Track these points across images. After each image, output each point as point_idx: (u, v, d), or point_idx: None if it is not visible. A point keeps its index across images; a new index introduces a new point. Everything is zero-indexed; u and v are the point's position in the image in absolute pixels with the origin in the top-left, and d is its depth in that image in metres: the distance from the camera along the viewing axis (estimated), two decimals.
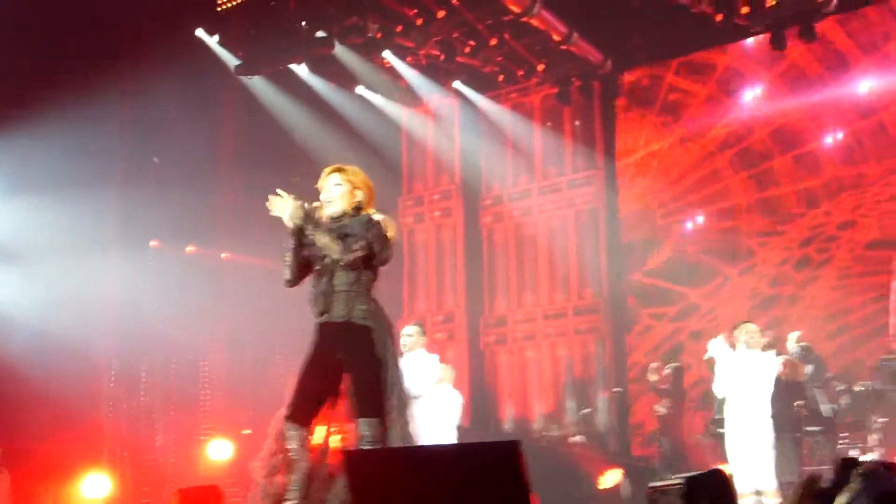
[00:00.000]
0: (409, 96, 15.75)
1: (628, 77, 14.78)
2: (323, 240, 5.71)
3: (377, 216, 5.90)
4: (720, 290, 13.67)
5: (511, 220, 15.56)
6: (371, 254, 5.78)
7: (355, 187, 5.96)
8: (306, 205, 5.90)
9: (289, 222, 5.88)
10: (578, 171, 15.12)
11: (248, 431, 14.47)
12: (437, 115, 16.00)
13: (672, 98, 14.45)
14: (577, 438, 13.34)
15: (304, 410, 5.79)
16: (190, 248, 15.57)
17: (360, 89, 15.56)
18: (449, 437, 9.37)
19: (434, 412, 9.22)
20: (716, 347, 9.38)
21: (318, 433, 5.88)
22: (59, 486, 13.40)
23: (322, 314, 5.82)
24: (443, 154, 16.05)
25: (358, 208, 5.93)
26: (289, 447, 5.80)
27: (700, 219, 14.11)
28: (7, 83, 13.97)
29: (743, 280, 13.56)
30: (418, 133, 16.23)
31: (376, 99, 15.70)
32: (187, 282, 15.05)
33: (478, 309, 15.50)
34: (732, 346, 9.28)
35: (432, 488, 3.85)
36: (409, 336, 9.49)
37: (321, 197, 5.99)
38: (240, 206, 15.60)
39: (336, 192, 5.93)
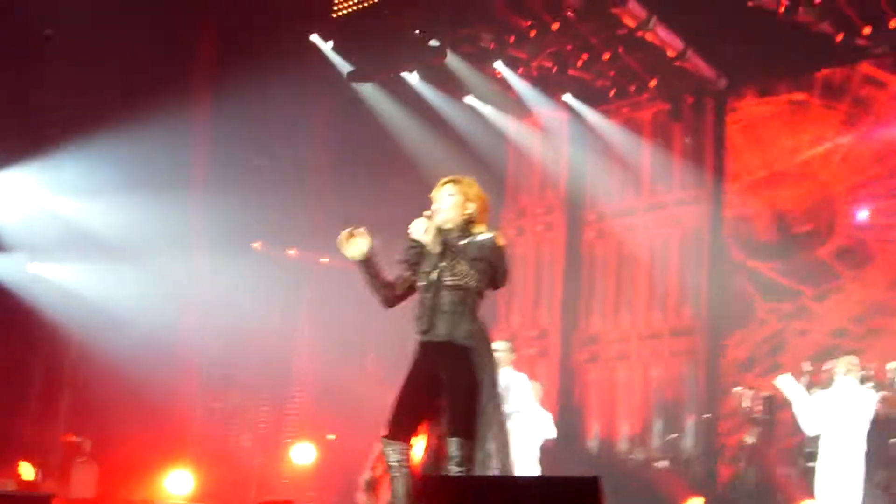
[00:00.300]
0: (519, 108, 15.68)
1: (744, 96, 14.52)
2: (461, 267, 5.67)
3: (494, 235, 5.79)
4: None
5: (613, 237, 15.38)
6: (491, 280, 5.75)
7: (468, 199, 5.87)
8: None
9: (355, 256, 5.98)
10: (686, 189, 14.88)
11: (333, 437, 14.58)
12: (546, 128, 15.90)
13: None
14: (662, 463, 13.15)
15: (402, 427, 5.75)
16: (292, 252, 15.77)
17: (469, 99, 15.56)
18: (534, 455, 9.32)
19: (520, 431, 9.19)
20: (784, 384, 9.18)
21: (418, 450, 5.84)
22: (145, 481, 13.68)
23: (425, 332, 5.79)
24: (549, 167, 15.95)
25: (469, 221, 5.85)
26: (388, 463, 5.77)
27: None
28: (118, 82, 14.35)
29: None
30: (525, 145, 16.15)
31: (485, 109, 15.68)
32: (287, 284, 15.28)
33: (572, 326, 15.38)
34: (820, 380, 9.06)
35: None
36: (497, 352, 9.44)
37: (433, 206, 5.92)
38: (342, 210, 15.72)
39: (448, 203, 5.86)
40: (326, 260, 15.68)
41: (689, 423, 13.83)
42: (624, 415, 14.55)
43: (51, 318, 14.80)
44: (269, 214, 15.04)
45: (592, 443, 14.70)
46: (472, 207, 5.88)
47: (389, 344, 14.59)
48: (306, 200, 15.15)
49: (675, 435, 13.63)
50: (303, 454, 14.54)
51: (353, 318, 15.07)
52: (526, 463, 9.10)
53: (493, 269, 5.70)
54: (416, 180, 14.94)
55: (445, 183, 5.98)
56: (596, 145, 15.45)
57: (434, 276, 5.76)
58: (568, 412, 14.87)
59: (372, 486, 5.59)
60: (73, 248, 14.67)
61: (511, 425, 8.83)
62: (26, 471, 13.46)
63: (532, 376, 13.48)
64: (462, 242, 5.77)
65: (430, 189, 6.08)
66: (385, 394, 13.55)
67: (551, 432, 9.64)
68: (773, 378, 12.32)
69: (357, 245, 5.95)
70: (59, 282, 14.72)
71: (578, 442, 14.71)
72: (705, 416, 13.59)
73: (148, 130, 13.55)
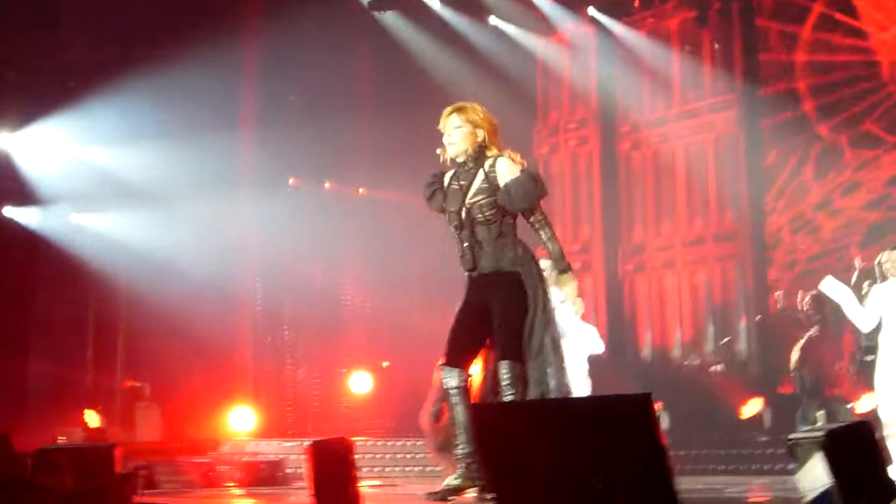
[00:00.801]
0: (544, 25, 15.56)
1: None
2: (485, 200, 5.75)
3: (503, 159, 5.84)
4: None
5: (649, 147, 15.32)
6: (516, 204, 5.78)
7: (476, 126, 5.89)
8: None
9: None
10: (718, 95, 14.76)
11: (387, 364, 14.75)
12: (573, 44, 15.77)
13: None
14: (718, 367, 13.22)
15: (458, 354, 5.87)
16: (328, 185, 15.83)
17: (493, 20, 15.44)
18: (583, 372, 9.38)
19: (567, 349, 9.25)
20: (829, 287, 9.15)
21: (477, 376, 5.96)
22: (207, 420, 13.94)
23: (472, 269, 5.88)
24: (578, 83, 15.85)
25: (482, 147, 5.88)
26: (447, 390, 5.89)
27: None
28: (141, 28, 14.35)
29: None
30: (553, 62, 16.04)
31: (510, 29, 15.55)
32: (326, 218, 15.35)
33: (615, 238, 15.37)
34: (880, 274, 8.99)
35: (558, 442, 3.87)
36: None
37: (444, 140, 5.96)
38: (376, 141, 15.77)
39: (457, 135, 5.88)
40: (362, 191, 15.75)
41: (742, 325, 13.86)
42: (675, 322, 14.62)
43: (98, 267, 15.01)
44: (304, 150, 15.07)
45: (646, 352, 14.79)
46: (481, 133, 5.90)
47: (432, 271, 14.73)
48: (341, 134, 15.14)
49: (729, 338, 13.69)
50: (359, 383, 14.73)
51: (396, 248, 15.18)
52: (576, 380, 9.18)
53: (513, 195, 5.74)
54: (445, 105, 14.94)
55: (450, 113, 5.98)
56: (624, 57, 15.33)
57: (463, 214, 5.82)
58: (618, 324, 14.96)
59: (438, 417, 5.73)
60: (112, 197, 14.80)
61: (576, 346, 8.99)
62: (91, 418, 13.76)
63: (578, 291, 13.60)
64: (476, 174, 5.85)
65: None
66: (432, 320, 13.74)
67: (598, 347, 9.68)
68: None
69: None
70: (102, 231, 14.88)
71: (631, 353, 14.80)
72: (757, 317, 13.60)
73: (173, 74, 13.59)
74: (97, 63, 14.77)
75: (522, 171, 5.85)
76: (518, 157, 5.93)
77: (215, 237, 14.19)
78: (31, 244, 15.06)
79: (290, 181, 15.57)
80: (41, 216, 14.96)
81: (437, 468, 11.12)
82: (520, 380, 5.68)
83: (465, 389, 5.85)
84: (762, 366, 13.44)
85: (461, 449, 5.78)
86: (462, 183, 5.88)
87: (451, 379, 5.84)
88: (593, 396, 4.25)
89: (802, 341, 11.34)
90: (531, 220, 5.92)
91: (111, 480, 5.78)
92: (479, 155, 5.90)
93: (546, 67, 16.14)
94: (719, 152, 14.60)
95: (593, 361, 9.91)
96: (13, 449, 6.49)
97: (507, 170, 5.80)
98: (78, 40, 14.94)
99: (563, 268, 6.00)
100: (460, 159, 5.91)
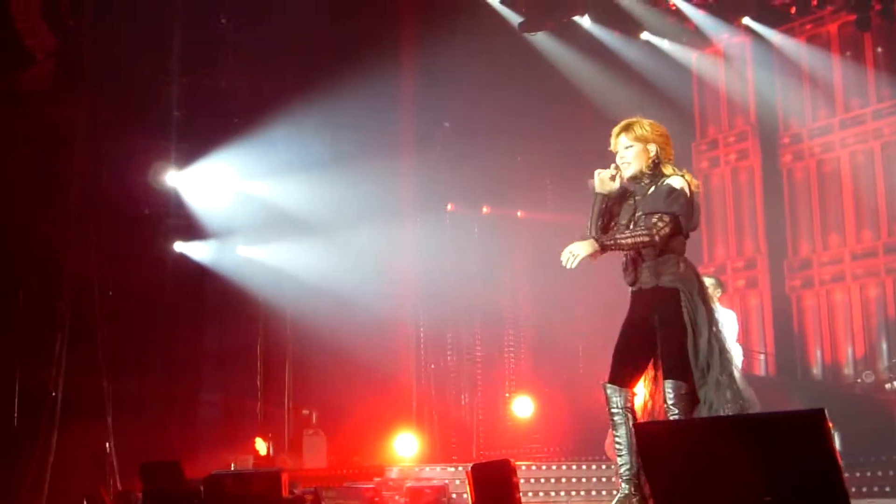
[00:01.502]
0: (698, 38, 15.34)
1: None
2: (653, 219, 5.69)
3: (677, 179, 5.78)
4: None
5: (812, 158, 14.88)
6: (678, 227, 5.72)
7: (647, 142, 5.86)
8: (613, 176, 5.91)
9: (598, 189, 5.95)
10: (884, 101, 14.25)
11: (550, 388, 14.66)
12: (728, 55, 15.48)
13: None
14: (893, 385, 12.69)
15: (622, 373, 5.86)
16: (486, 209, 15.88)
17: (645, 35, 15.28)
18: None
19: None
20: None
21: (641, 395, 5.89)
22: (372, 447, 14.08)
23: (633, 284, 5.89)
24: (736, 95, 15.53)
25: (656, 164, 5.85)
26: (611, 409, 5.86)
27: None
28: (300, 59, 14.70)
29: None
30: (709, 75, 15.77)
31: (663, 44, 15.36)
32: (485, 242, 15.40)
33: (780, 253, 14.96)
34: None
35: (727, 461, 3.76)
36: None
37: (616, 160, 5.95)
38: (532, 163, 15.76)
39: (629, 154, 5.88)
40: (521, 214, 15.74)
41: None
42: (846, 338, 14.11)
43: (264, 298, 15.39)
44: (461, 175, 15.17)
45: (816, 370, 14.32)
46: (653, 149, 5.86)
47: (598, 295, 14.60)
48: (495, 158, 15.19)
49: None
50: (522, 407, 14.69)
51: (556, 270, 15.08)
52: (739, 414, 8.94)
53: (678, 218, 5.68)
54: (601, 126, 14.82)
55: (619, 133, 5.97)
56: (782, 66, 14.97)
57: (632, 227, 5.81)
58: (786, 342, 14.55)
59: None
60: (276, 229, 15.16)
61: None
62: (261, 446, 14.08)
63: (743, 308, 13.30)
64: (650, 192, 5.80)
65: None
66: (595, 343, 13.62)
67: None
68: None
69: (609, 182, 5.91)
70: (268, 262, 15.25)
71: (802, 370, 14.36)
72: None
73: (330, 105, 13.87)
74: (259, 98, 15.19)
75: (683, 188, 5.76)
76: (695, 182, 5.92)
77: (377, 264, 14.39)
78: (200, 278, 15.54)
79: (449, 207, 15.68)
80: (209, 250, 15.43)
81: (603, 492, 11.01)
82: (685, 398, 5.60)
83: (628, 409, 5.81)
84: None
85: (625, 469, 5.72)
86: (637, 197, 5.88)
87: (615, 397, 5.82)
88: (764, 413, 4.08)
89: None
90: None
91: None
92: (655, 171, 5.88)
93: (702, 81, 15.88)
94: (887, 159, 14.07)
95: (761, 381, 9.67)
96: (184, 475, 6.67)
97: (672, 192, 5.75)
98: (239, 76, 15.41)
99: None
100: (636, 177, 5.90)
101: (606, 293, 14.61)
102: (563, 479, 11.98)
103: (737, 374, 5.71)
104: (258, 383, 15.43)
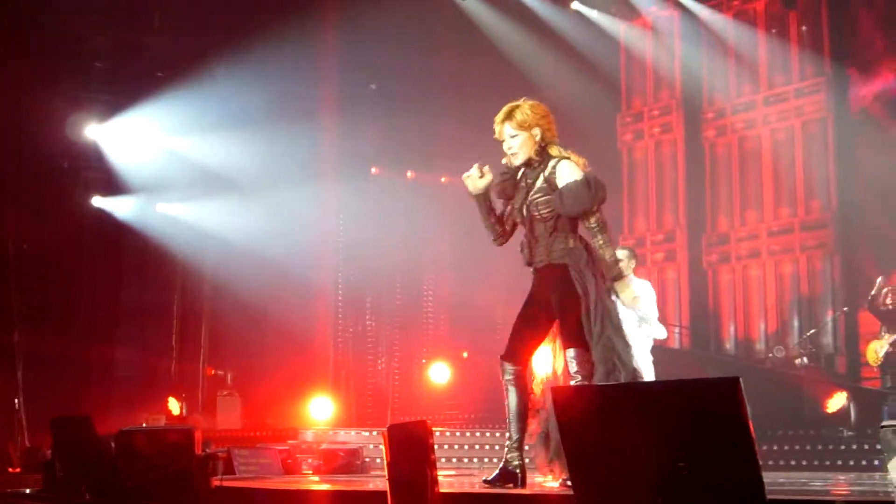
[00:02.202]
0: (627, 9, 15.39)
1: None
2: (543, 199, 5.78)
3: (566, 165, 5.82)
4: None
5: (734, 134, 15.04)
6: (569, 206, 5.76)
7: (530, 127, 5.88)
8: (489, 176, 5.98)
9: (472, 192, 6.03)
10: (806, 79, 14.43)
11: (466, 355, 14.70)
12: (656, 28, 15.56)
13: None
14: (803, 360, 12.93)
15: (514, 351, 6.00)
16: (410, 174, 15.83)
17: (575, 5, 15.29)
18: (647, 360, 9.22)
19: (643, 337, 9.10)
20: None
21: (535, 370, 6.01)
22: (287, 409, 14.03)
23: (529, 264, 5.98)
24: (662, 68, 15.62)
25: (542, 147, 5.90)
26: (503, 381, 6.03)
27: None
28: (222, 16, 14.48)
29: None
30: (637, 47, 15.84)
31: (592, 14, 15.39)
32: (409, 207, 15.36)
33: (699, 227, 15.13)
34: None
35: (642, 426, 3.78)
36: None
37: (504, 149, 5.99)
38: (458, 129, 15.69)
39: (516, 144, 5.90)
40: (445, 180, 15.71)
41: (828, 318, 13.55)
42: (759, 314, 14.33)
43: (183, 256, 15.21)
44: (386, 139, 15.09)
45: (729, 344, 14.54)
46: (538, 133, 5.90)
47: (517, 264, 14.65)
48: (423, 122, 15.13)
49: (814, 331, 13.36)
50: (439, 374, 14.70)
51: (478, 238, 15.10)
52: (647, 370, 9.04)
53: (565, 200, 5.75)
54: (529, 94, 14.83)
55: (502, 122, 5.97)
56: (709, 41, 15.09)
57: (525, 210, 5.89)
58: (701, 315, 14.74)
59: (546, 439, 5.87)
60: (197, 187, 14.97)
61: (635, 332, 8.86)
62: (174, 405, 13.96)
63: (660, 280, 13.45)
64: (540, 179, 5.87)
65: (542, 102, 6.06)
66: (513, 311, 13.66)
67: (661, 333, 9.51)
68: None
69: (478, 181, 5.98)
70: (187, 220, 15.06)
71: (714, 344, 14.57)
72: (844, 309, 13.29)
73: (252, 63, 13.70)
74: (182, 53, 14.95)
75: (580, 176, 5.82)
76: (581, 161, 5.92)
77: (298, 226, 14.28)
78: (119, 234, 15.32)
79: (373, 170, 15.60)
80: (129, 206, 15.19)
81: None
82: (586, 366, 5.72)
83: (515, 380, 5.98)
84: (847, 360, 13.15)
85: (509, 441, 6.00)
86: (528, 181, 5.94)
87: (505, 373, 6.00)
88: (680, 380, 4.10)
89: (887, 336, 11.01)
90: (586, 224, 5.89)
91: (191, 463, 5.81)
92: (542, 155, 5.92)
93: (629, 53, 15.96)
94: (807, 138, 14.28)
95: (675, 353, 9.78)
96: (95, 431, 6.57)
97: (565, 173, 5.82)
98: (163, 31, 15.15)
99: (614, 275, 5.91)
100: (525, 164, 5.93)
101: (522, 262, 14.74)
102: (477, 446, 12.04)
103: (623, 342, 5.79)
104: (173, 342, 15.28)
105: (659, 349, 9.54)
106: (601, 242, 5.85)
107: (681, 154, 15.47)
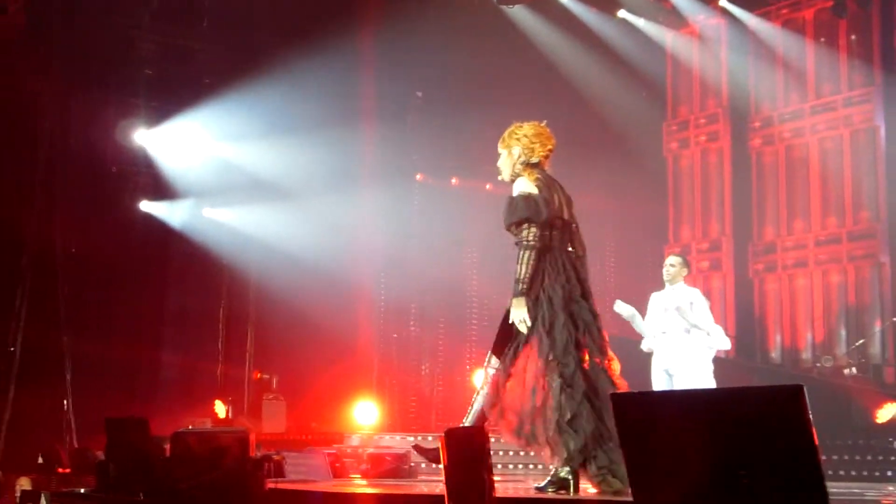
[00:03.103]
0: (674, 18, 15.35)
1: None
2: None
3: (519, 182, 6.27)
4: None
5: (781, 143, 14.95)
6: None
7: (510, 147, 6.39)
8: None
9: None
10: (855, 88, 14.33)
11: None
12: (703, 36, 15.50)
13: None
14: (851, 370, 12.82)
15: (498, 348, 6.34)
16: (454, 181, 15.86)
17: (622, 13, 15.26)
18: (709, 371, 9.18)
19: (698, 345, 9.07)
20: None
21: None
22: (331, 413, 14.07)
23: None
24: (709, 77, 15.56)
25: (525, 164, 6.33)
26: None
27: None
28: (269, 23, 14.58)
29: None
30: (683, 56, 15.79)
31: (639, 22, 15.35)
32: (453, 214, 15.37)
33: (745, 236, 15.05)
34: None
35: (703, 433, 3.78)
36: (671, 266, 9.39)
37: None
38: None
39: (501, 163, 6.47)
40: (490, 187, 15.71)
41: (876, 328, 13.43)
42: (806, 323, 14.23)
43: (229, 261, 15.31)
44: (431, 146, 15.13)
45: (775, 354, 14.44)
46: (516, 151, 6.38)
47: None
48: (466, 130, 15.14)
49: (862, 341, 13.24)
50: (482, 379, 14.64)
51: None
52: (703, 378, 9.01)
53: (502, 213, 6.26)
54: (574, 102, 14.85)
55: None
56: (756, 50, 15.04)
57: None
58: (747, 325, 14.65)
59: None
60: (244, 192, 15.07)
61: (684, 339, 8.85)
62: (220, 409, 14.04)
63: (705, 289, 13.38)
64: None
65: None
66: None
67: (724, 343, 9.47)
68: None
69: None
70: (233, 225, 15.16)
71: (760, 354, 14.47)
72: (893, 319, 13.17)
73: (299, 71, 13.77)
74: (229, 60, 15.08)
75: (515, 193, 6.25)
76: (528, 178, 6.25)
77: (343, 232, 14.35)
78: (165, 238, 15.44)
79: (417, 177, 15.64)
80: (176, 211, 15.32)
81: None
82: (495, 372, 6.16)
83: (491, 378, 6.26)
84: None
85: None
86: None
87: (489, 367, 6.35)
88: (743, 387, 4.07)
89: None
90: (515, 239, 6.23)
91: (245, 466, 5.85)
92: (517, 175, 6.37)
93: (676, 61, 15.91)
94: (856, 148, 14.18)
95: (721, 363, 9.71)
96: (150, 432, 6.63)
97: (513, 190, 6.28)
98: (211, 38, 15.28)
99: (514, 292, 6.21)
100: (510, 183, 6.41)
101: None
102: (522, 453, 11.99)
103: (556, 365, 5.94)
104: (219, 346, 15.37)
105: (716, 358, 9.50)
106: (518, 258, 6.19)
107: (727, 163, 15.39)
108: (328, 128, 14.04)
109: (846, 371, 12.77)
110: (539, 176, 6.22)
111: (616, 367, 6.13)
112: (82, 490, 7.34)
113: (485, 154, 15.64)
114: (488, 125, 15.59)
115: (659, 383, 9.13)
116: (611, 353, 6.16)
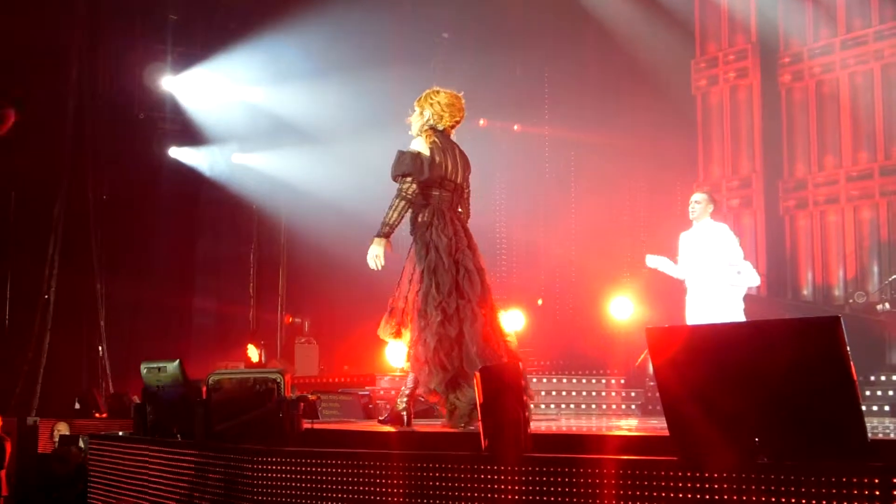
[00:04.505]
0: None
1: None
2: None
3: (414, 141, 6.77)
4: None
5: (811, 78, 14.76)
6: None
7: (423, 109, 6.88)
8: None
9: None
10: (886, 21, 14.10)
11: (541, 301, 14.65)
12: None
13: None
14: (884, 306, 12.76)
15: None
16: (482, 122, 15.79)
17: None
18: (739, 308, 9.15)
19: (727, 282, 9.05)
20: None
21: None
22: (363, 356, 14.13)
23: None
24: (738, 12, 15.34)
25: (431, 127, 6.80)
26: None
27: None
28: None
29: None
30: None
31: None
32: (481, 155, 15.26)
33: (776, 173, 14.93)
34: None
35: (740, 368, 3.78)
36: (696, 203, 9.31)
37: None
38: (530, 77, 15.62)
39: (412, 119, 6.97)
40: (518, 127, 15.67)
41: None
42: (838, 260, 14.14)
43: (258, 206, 15.35)
44: (458, 87, 15.01)
45: (807, 291, 14.38)
46: (427, 114, 6.84)
47: (588, 208, 14.62)
48: (493, 71, 15.06)
49: (895, 277, 13.15)
50: (513, 320, 14.64)
51: (550, 184, 15.09)
52: (734, 316, 8.99)
53: (409, 174, 6.63)
54: (602, 41, 14.73)
55: None
56: None
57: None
58: (778, 262, 14.57)
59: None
60: (272, 137, 15.08)
61: (718, 278, 8.82)
62: (253, 352, 14.17)
63: (736, 227, 13.33)
64: None
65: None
66: (587, 258, 13.59)
67: (755, 280, 9.41)
68: None
69: None
70: (262, 170, 15.18)
71: (792, 292, 14.41)
72: None
73: (327, 16, 13.69)
74: (255, 5, 15.02)
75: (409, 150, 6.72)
76: (425, 140, 6.73)
77: (371, 174, 14.28)
78: (195, 184, 15.51)
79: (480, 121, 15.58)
80: (205, 156, 15.35)
81: (593, 405, 11.12)
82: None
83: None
84: None
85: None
86: None
87: None
88: (780, 320, 4.07)
89: None
90: None
91: (281, 406, 5.91)
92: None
93: None
94: (887, 82, 13.99)
95: (751, 300, 9.68)
96: (187, 375, 6.71)
97: (411, 145, 6.76)
98: None
99: (377, 233, 6.87)
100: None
101: (598, 209, 14.68)
102: (554, 392, 12.05)
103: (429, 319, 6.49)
104: (251, 291, 15.48)
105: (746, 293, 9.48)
106: (392, 203, 6.72)
107: (756, 99, 15.22)
108: (355, 70, 13.99)
109: (879, 307, 12.71)
110: (437, 140, 6.70)
111: (500, 318, 6.74)
112: (120, 433, 7.44)
113: (513, 94, 15.68)
114: (516, 65, 15.65)
115: (692, 321, 9.11)
116: (495, 303, 6.70)
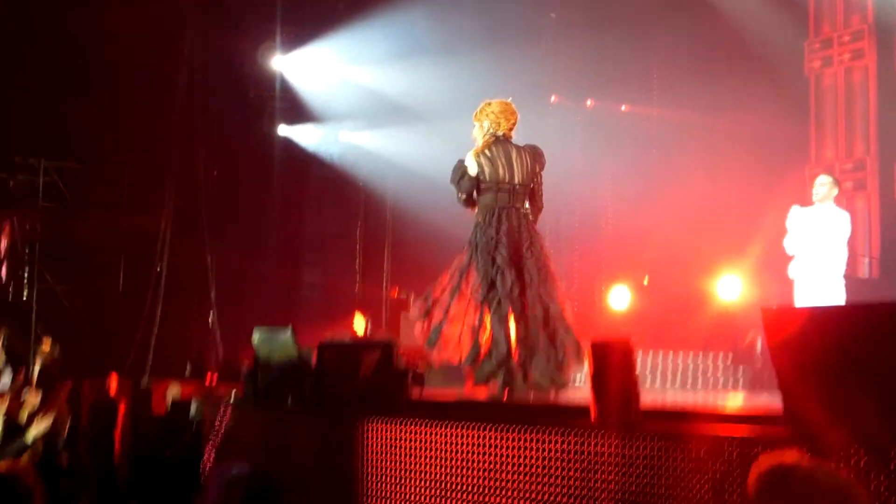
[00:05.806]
0: None
1: None
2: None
3: (467, 157, 7.54)
4: None
5: None
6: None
7: (482, 122, 7.67)
8: None
9: None
10: None
11: (647, 281, 14.54)
12: None
13: None
14: None
15: None
16: (590, 103, 15.72)
17: None
18: (840, 288, 9.02)
19: (824, 265, 8.93)
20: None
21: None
22: None
23: None
24: None
25: (492, 135, 7.56)
26: None
27: None
28: None
29: None
30: None
31: None
32: (588, 135, 15.27)
33: (891, 156, 14.58)
34: None
35: (868, 349, 3.74)
36: (821, 186, 9.25)
37: None
38: (638, 58, 15.47)
39: (474, 133, 7.78)
40: (626, 108, 15.55)
41: None
42: None
43: (364, 183, 15.52)
44: (565, 67, 15.00)
45: None
46: (486, 125, 7.61)
47: (694, 187, 14.48)
48: (601, 51, 14.98)
49: None
50: (619, 298, 14.56)
51: (657, 164, 14.97)
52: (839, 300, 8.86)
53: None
54: (711, 21, 14.54)
55: None
56: None
57: None
58: (892, 244, 14.24)
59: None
60: (378, 116, 15.21)
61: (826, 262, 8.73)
62: (359, 324, 14.34)
63: (849, 210, 13.09)
64: None
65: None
66: (694, 236, 13.44)
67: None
68: None
69: None
70: (369, 148, 15.33)
71: None
72: None
73: None
74: None
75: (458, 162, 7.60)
76: (473, 155, 7.56)
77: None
78: (303, 161, 15.75)
79: (552, 99, 15.54)
80: (313, 134, 15.56)
81: (699, 382, 11.05)
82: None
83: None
84: None
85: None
86: None
87: None
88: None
89: None
90: None
91: (392, 375, 6.01)
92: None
93: None
94: None
95: (864, 283, 9.53)
96: (298, 343, 6.84)
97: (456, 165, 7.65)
98: None
99: None
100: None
101: (705, 189, 14.52)
102: (660, 368, 12.00)
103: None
104: (357, 266, 15.68)
105: (848, 279, 9.35)
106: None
107: (872, 81, 14.85)
108: (462, 51, 14.03)
109: None
110: (488, 151, 7.45)
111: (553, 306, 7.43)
112: (231, 398, 7.62)
113: (620, 75, 15.58)
114: (624, 45, 15.51)
115: (802, 302, 9.01)
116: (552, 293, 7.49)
